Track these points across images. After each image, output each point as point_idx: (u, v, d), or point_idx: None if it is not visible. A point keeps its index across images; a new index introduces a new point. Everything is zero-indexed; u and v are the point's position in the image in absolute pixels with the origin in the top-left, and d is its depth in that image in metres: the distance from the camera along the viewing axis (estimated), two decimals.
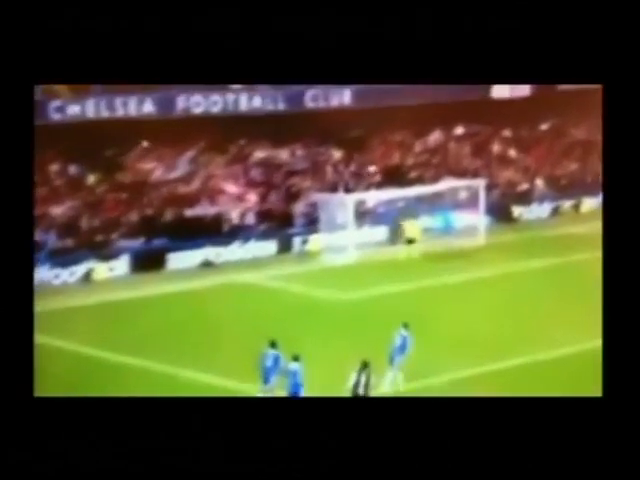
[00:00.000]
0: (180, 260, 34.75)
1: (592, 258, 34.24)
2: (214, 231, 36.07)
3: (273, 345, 21.35)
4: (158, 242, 35.29)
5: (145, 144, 39.27)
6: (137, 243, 35.21)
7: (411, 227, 37.17)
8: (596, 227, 39.12)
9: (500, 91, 45.55)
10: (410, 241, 36.67)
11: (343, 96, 41.10)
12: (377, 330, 26.54)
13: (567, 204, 44.03)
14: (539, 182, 44.73)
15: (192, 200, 37.40)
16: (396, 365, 22.37)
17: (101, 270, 33.72)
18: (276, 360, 21.10)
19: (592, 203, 44.51)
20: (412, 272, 33.47)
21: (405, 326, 22.80)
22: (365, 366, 20.63)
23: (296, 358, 20.88)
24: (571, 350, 24.76)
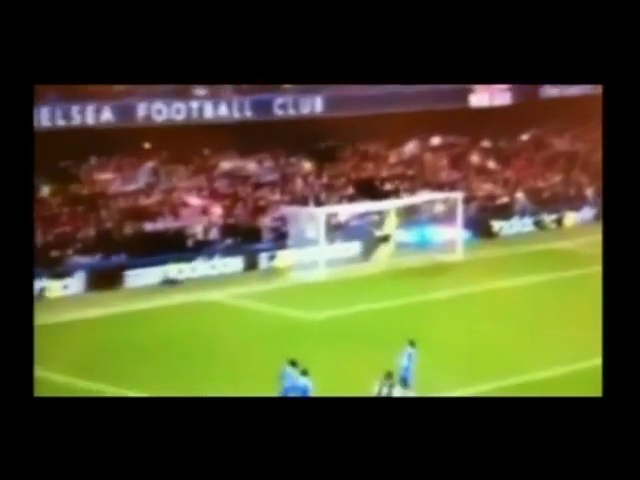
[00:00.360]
0: (140, 278, 34.50)
1: (578, 275, 34.89)
2: (176, 246, 35.84)
3: (293, 364, 21.53)
4: (116, 258, 34.99)
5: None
6: (93, 259, 34.84)
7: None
8: (579, 242, 40.32)
9: (479, 100, 45.84)
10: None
11: (314, 104, 40.90)
12: (348, 349, 26.65)
13: (549, 218, 44.10)
14: (520, 195, 44.68)
15: (153, 214, 37.09)
16: (411, 385, 22.31)
17: (55, 288, 33.43)
18: (289, 378, 21.35)
19: (575, 217, 44.66)
20: (386, 289, 33.31)
21: (412, 344, 22.86)
22: (389, 377, 21.04)
23: (305, 372, 21.07)
24: (570, 367, 24.90)
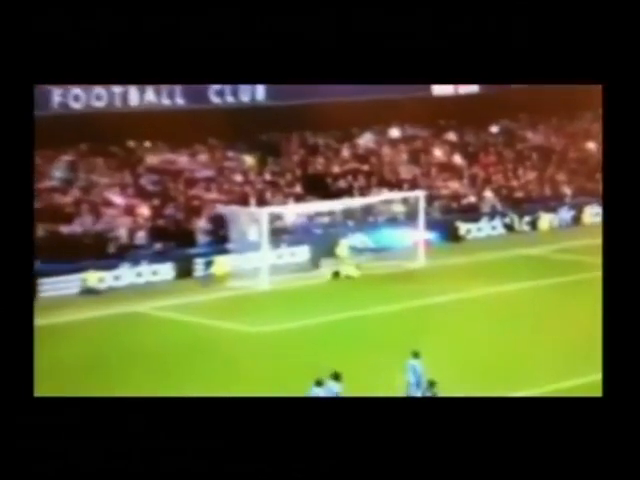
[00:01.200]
0: (55, 287, 34.33)
1: (556, 283, 34.84)
2: (97, 252, 35.76)
3: (336, 377, 21.83)
4: None
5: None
6: None
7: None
8: (556, 247, 40.17)
9: (442, 88, 45.64)
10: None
11: (255, 91, 40.74)
12: (288, 364, 26.44)
13: (522, 220, 43.90)
14: (489, 194, 44.72)
15: (69, 214, 36.88)
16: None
17: None
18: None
19: (552, 219, 44.65)
20: (336, 300, 33.18)
21: (415, 355, 22.94)
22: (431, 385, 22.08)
23: (336, 377, 21.68)
24: (565, 382, 24.94)
